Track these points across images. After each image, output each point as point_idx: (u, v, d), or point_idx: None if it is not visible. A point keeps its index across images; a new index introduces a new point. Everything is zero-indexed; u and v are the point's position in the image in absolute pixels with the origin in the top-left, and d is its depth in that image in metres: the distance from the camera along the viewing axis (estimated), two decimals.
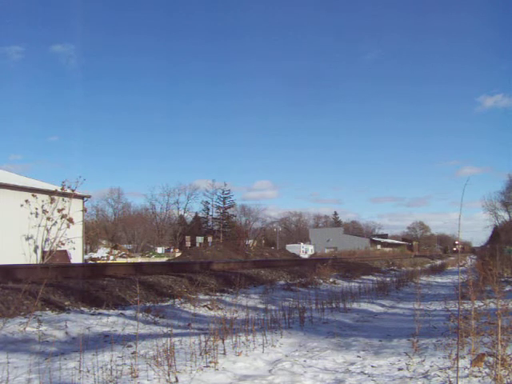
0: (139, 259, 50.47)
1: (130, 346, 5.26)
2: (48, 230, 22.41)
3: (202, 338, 5.34)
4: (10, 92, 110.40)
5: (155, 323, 7.16)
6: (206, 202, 77.32)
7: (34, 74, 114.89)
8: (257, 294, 11.13)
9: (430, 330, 6.89)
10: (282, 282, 13.83)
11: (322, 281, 14.97)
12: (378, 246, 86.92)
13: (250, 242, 54.47)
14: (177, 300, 9.14)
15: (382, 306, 10.57)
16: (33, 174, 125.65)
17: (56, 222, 22.20)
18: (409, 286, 16.22)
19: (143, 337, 5.87)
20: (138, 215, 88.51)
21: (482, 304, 6.15)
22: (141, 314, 7.43)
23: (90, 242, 49.93)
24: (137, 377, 4.12)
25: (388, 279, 15.48)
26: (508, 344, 4.30)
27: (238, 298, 10.09)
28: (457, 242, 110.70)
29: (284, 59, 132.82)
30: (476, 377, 4.27)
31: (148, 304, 8.53)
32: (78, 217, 24.66)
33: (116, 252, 54.21)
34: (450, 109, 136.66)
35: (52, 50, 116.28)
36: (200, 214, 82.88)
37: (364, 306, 10.16)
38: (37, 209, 22.65)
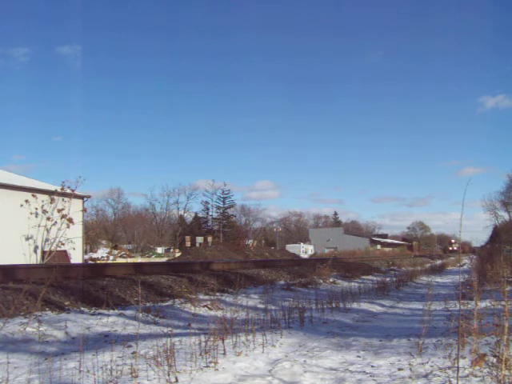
0: (139, 259, 50.45)
1: (130, 346, 5.26)
2: (48, 230, 22.45)
3: (202, 337, 5.34)
4: (15, 93, 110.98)
5: (155, 323, 7.16)
6: (206, 202, 77.35)
7: (38, 75, 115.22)
8: (257, 293, 11.12)
9: (430, 329, 6.89)
10: (282, 282, 13.82)
11: (321, 281, 14.96)
12: (378, 246, 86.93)
13: (250, 242, 54.51)
14: (177, 300, 9.13)
15: (382, 305, 10.56)
16: (35, 174, 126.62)
17: (56, 222, 22.25)
18: (409, 285, 16.23)
19: (143, 337, 5.86)
20: (138, 215, 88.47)
21: (484, 304, 6.15)
22: (141, 314, 7.42)
23: (90, 241, 49.92)
24: (137, 377, 4.12)
25: (388, 279, 15.46)
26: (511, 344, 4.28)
27: (238, 298, 10.09)
28: (453, 241, 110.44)
29: (284, 59, 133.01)
30: (476, 376, 4.26)
31: (148, 304, 8.52)
32: (77, 217, 24.68)
33: (116, 252, 54.17)
34: (452, 109, 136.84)
35: (56, 51, 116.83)
36: (200, 214, 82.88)
37: (364, 305, 10.15)
38: (37, 209, 22.67)
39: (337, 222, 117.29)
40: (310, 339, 6.33)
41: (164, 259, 46.53)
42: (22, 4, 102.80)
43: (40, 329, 5.99)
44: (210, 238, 51.34)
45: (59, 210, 22.39)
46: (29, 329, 5.93)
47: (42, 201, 22.63)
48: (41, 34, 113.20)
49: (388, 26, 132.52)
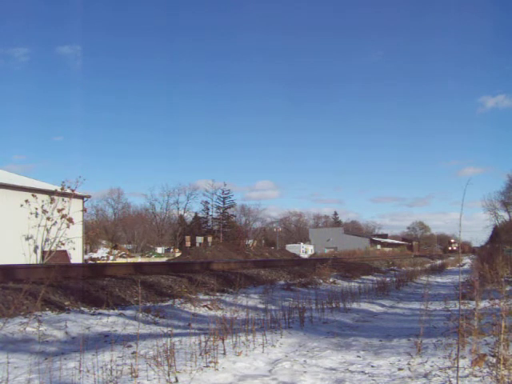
0: (139, 259, 50.46)
1: (130, 346, 5.26)
2: (48, 230, 22.43)
3: (202, 337, 5.34)
4: (15, 93, 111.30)
5: (155, 323, 7.16)
6: (206, 201, 77.39)
7: (39, 75, 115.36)
8: (257, 294, 11.12)
9: (430, 329, 6.89)
10: (282, 282, 13.82)
11: (321, 281, 14.96)
12: (378, 246, 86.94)
13: (250, 242, 54.51)
14: (177, 300, 9.13)
15: (382, 305, 10.56)
16: (35, 174, 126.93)
17: (56, 221, 22.23)
18: (409, 285, 16.23)
19: (143, 337, 5.86)
20: (138, 215, 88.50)
21: (484, 304, 6.14)
22: (141, 314, 7.43)
23: (90, 241, 49.88)
24: (137, 377, 4.12)
25: (388, 279, 15.46)
26: (510, 344, 4.28)
27: (238, 297, 10.08)
28: (453, 241, 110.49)
29: (284, 59, 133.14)
30: (476, 376, 4.26)
31: (148, 304, 8.52)
32: (77, 217, 24.68)
33: (116, 252, 54.17)
34: (452, 109, 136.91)
35: (56, 51, 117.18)
36: (200, 214, 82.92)
37: (364, 305, 10.15)
38: (37, 209, 22.65)
39: (337, 222, 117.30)
40: (310, 339, 6.33)
41: (164, 259, 46.53)
42: (22, 4, 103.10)
43: (40, 329, 5.98)
44: (210, 238, 51.33)
45: (59, 210, 22.37)
46: (29, 329, 5.93)
47: (42, 201, 22.61)
48: (41, 34, 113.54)
49: (388, 25, 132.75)
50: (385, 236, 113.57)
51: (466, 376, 4.29)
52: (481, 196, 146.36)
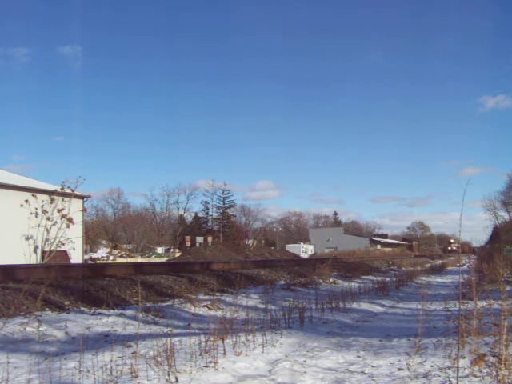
0: (139, 259, 50.44)
1: (130, 346, 5.26)
2: (48, 230, 22.43)
3: (202, 337, 5.34)
4: (15, 93, 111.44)
5: (155, 323, 7.16)
6: (206, 202, 77.30)
7: (39, 75, 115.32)
8: (257, 294, 11.12)
9: (430, 329, 6.89)
10: (282, 282, 13.82)
11: (321, 281, 14.96)
12: (378, 246, 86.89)
13: (250, 242, 54.52)
14: (177, 300, 9.13)
15: (382, 305, 10.56)
16: (35, 174, 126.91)
17: (56, 222, 22.24)
18: (409, 285, 16.23)
19: (143, 337, 5.86)
20: (138, 215, 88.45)
21: (484, 304, 6.13)
22: (141, 314, 7.42)
23: (90, 241, 49.85)
24: (137, 377, 4.12)
25: (388, 279, 15.47)
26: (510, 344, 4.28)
27: (238, 297, 10.08)
28: (452, 241, 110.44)
29: (284, 59, 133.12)
30: (476, 376, 4.26)
31: (148, 304, 8.52)
32: (77, 217, 24.68)
33: (116, 252, 54.14)
34: (452, 109, 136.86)
35: (56, 51, 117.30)
36: (200, 214, 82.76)
37: (364, 305, 10.15)
38: (37, 209, 22.66)
39: (337, 222, 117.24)
40: (310, 339, 6.33)
41: (164, 259, 46.52)
42: (22, 4, 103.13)
43: (40, 329, 5.99)
44: (210, 238, 51.30)
45: (59, 210, 22.39)
46: (29, 329, 5.93)
47: (42, 201, 22.61)
48: (41, 34, 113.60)
49: (388, 25, 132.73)
50: (385, 236, 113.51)
51: (466, 376, 4.29)
52: (481, 196, 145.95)
